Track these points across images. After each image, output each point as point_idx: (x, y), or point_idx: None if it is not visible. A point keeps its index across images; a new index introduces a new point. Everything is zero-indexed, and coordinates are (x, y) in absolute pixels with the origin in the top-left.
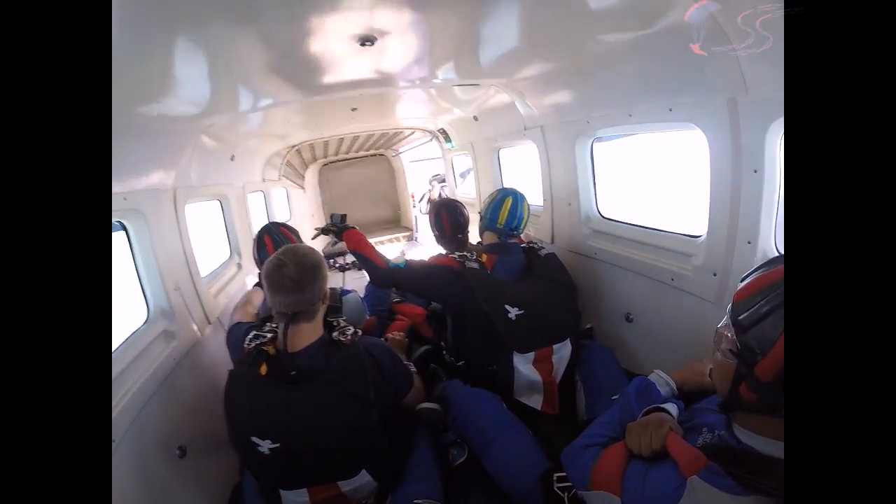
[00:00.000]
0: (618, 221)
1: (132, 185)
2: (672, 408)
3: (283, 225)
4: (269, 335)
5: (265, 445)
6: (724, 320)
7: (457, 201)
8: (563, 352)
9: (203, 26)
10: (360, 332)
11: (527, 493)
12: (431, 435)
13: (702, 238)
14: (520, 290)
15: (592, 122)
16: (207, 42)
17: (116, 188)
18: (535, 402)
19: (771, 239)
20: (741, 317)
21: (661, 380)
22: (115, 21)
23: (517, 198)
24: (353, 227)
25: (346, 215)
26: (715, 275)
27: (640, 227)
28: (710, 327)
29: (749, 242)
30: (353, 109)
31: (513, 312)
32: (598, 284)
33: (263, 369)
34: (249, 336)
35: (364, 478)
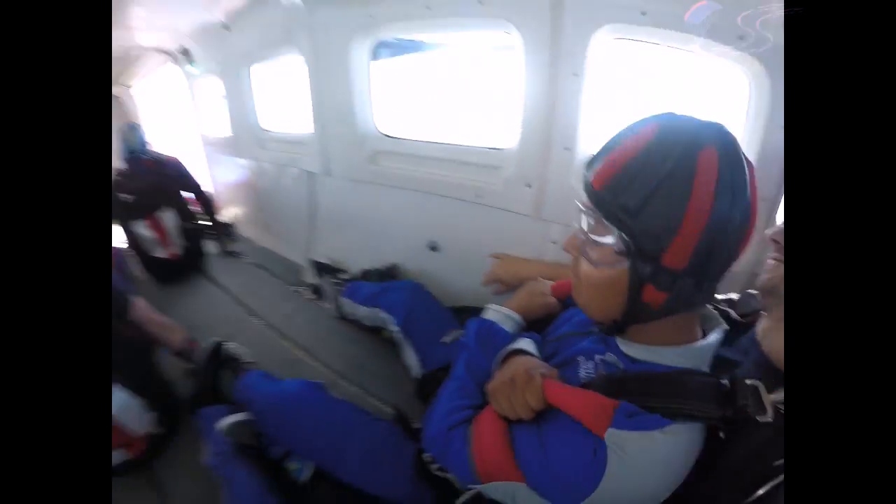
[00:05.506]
0: (402, 139)
1: None
2: (528, 345)
3: None
4: None
5: None
6: (585, 221)
7: None
8: None
9: None
10: None
11: (404, 490)
12: (249, 460)
13: (511, 148)
14: None
15: (377, 16)
16: None
17: None
18: None
19: (589, 145)
20: (625, 200)
21: (501, 315)
22: None
23: None
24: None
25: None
26: (529, 186)
27: (430, 142)
28: (529, 244)
29: (567, 149)
30: None
31: None
32: (390, 214)
33: None
34: None
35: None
